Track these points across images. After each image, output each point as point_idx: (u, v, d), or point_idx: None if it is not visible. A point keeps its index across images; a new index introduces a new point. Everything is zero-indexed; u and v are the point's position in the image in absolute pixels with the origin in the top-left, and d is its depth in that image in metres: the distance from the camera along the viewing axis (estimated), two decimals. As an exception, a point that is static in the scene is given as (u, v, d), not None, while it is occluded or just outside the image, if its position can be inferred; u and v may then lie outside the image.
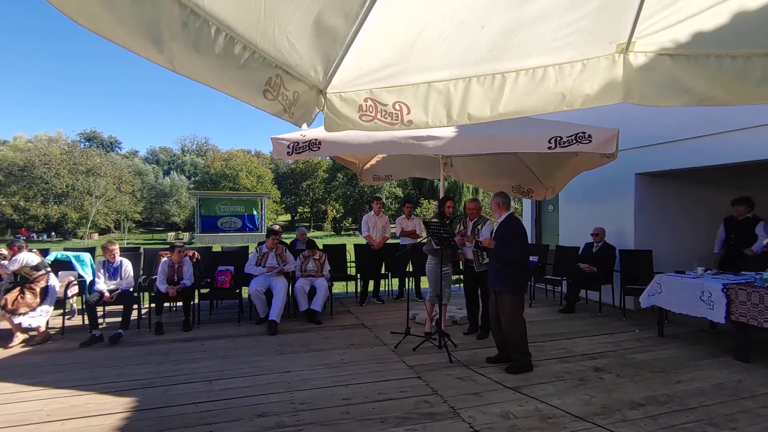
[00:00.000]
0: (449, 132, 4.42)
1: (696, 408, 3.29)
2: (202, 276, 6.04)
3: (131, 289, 5.49)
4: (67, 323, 5.51)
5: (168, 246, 6.29)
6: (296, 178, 42.47)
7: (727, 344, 4.67)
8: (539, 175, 6.16)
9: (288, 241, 6.76)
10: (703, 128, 5.53)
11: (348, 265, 7.38)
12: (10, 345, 4.76)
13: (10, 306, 4.74)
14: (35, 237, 31.15)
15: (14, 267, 4.88)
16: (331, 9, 1.88)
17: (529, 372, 4.01)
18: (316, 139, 4.37)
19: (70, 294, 5.73)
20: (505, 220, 4.13)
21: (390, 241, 7.18)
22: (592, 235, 6.44)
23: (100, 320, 5.46)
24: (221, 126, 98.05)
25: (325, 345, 4.86)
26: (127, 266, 5.43)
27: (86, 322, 5.17)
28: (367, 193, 35.31)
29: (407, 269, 7.32)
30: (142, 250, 6.74)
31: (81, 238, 31.14)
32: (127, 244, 22.12)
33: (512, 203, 4.94)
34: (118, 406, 3.33)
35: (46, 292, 5.04)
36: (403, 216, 7.06)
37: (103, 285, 5.22)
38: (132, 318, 5.36)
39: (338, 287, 8.12)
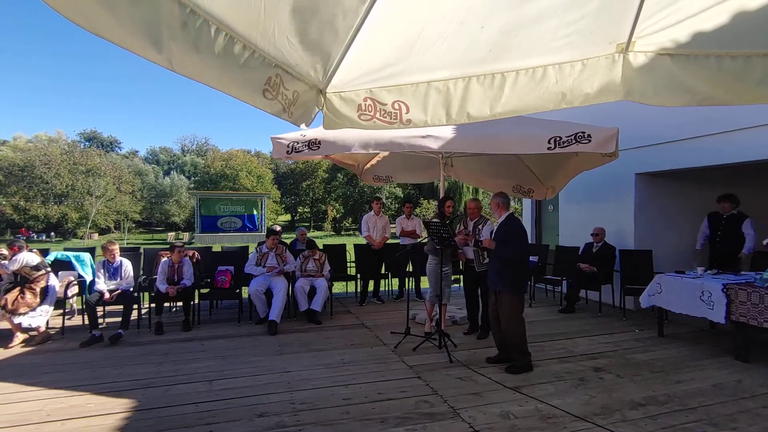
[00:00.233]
0: (449, 132, 4.42)
1: (696, 408, 3.29)
2: (202, 276, 6.03)
3: (131, 289, 5.50)
4: (67, 323, 5.51)
5: (168, 246, 6.29)
6: (296, 178, 42.44)
7: (727, 344, 4.67)
8: (539, 174, 6.17)
9: (288, 241, 6.76)
10: (703, 128, 5.52)
11: (348, 265, 7.39)
12: (10, 345, 4.76)
13: (10, 306, 4.75)
14: (35, 237, 31.14)
15: (14, 267, 4.88)
16: (331, 9, 1.88)
17: (529, 372, 4.01)
18: (315, 139, 4.37)
19: (70, 294, 5.73)
20: (505, 220, 4.13)
21: (390, 241, 7.18)
22: (592, 235, 6.44)
23: (100, 320, 5.46)
24: (221, 126, 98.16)
25: (325, 345, 4.86)
26: (127, 266, 5.43)
27: (86, 322, 5.17)
28: (367, 193, 35.29)
29: (407, 269, 7.32)
30: (142, 250, 6.74)
31: (81, 238, 31.15)
32: (127, 244, 22.17)
33: (512, 203, 4.94)
34: (118, 406, 3.33)
35: (46, 292, 5.04)
36: (403, 216, 7.07)
37: (103, 285, 5.23)
38: (132, 318, 5.36)
39: (338, 287, 8.11)
